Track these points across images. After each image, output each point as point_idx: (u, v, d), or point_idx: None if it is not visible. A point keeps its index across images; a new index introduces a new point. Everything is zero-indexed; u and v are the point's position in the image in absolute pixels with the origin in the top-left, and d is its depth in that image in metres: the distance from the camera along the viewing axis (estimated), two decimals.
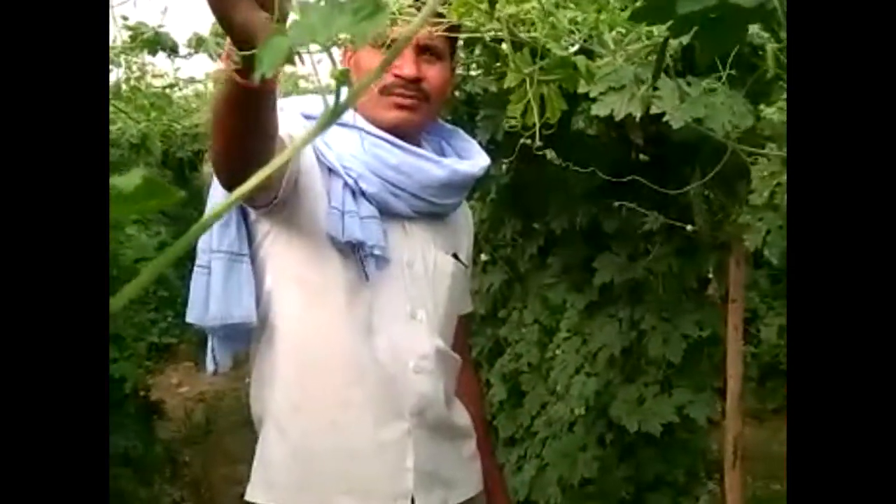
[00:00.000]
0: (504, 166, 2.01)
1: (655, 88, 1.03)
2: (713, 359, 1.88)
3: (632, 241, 1.94)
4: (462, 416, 1.40)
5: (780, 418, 2.90)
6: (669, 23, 0.51)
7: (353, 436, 1.26)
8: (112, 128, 2.01)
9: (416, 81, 1.25)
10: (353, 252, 1.24)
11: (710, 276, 1.84)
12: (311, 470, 1.26)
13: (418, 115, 1.29)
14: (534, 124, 0.77)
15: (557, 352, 2.26)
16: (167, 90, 2.20)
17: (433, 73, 1.28)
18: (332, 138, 1.26)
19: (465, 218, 1.47)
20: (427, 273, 1.33)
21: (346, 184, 1.23)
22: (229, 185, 1.07)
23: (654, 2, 0.51)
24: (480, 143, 1.92)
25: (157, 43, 1.58)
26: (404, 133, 1.29)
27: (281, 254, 1.27)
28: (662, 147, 1.46)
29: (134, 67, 1.88)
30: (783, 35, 0.54)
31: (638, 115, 1.11)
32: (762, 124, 1.13)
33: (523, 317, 2.52)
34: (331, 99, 0.28)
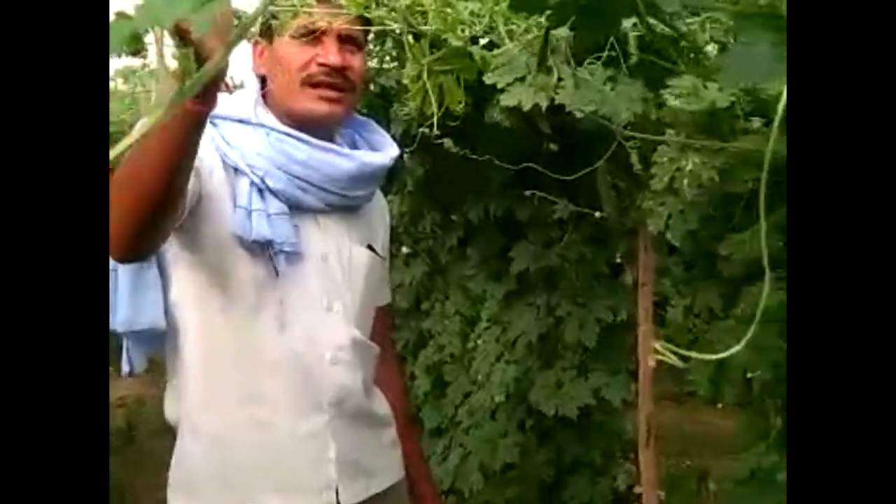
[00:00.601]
0: (420, 160, 2.02)
1: (560, 79, 1.06)
2: (627, 342, 1.94)
3: (545, 229, 1.98)
4: (381, 405, 1.41)
5: (693, 399, 3.00)
6: (548, 13, 0.54)
7: (271, 430, 1.25)
8: None
9: (341, 70, 1.24)
10: (263, 250, 1.22)
11: (618, 260, 1.90)
12: (230, 467, 1.25)
13: (344, 107, 1.28)
14: (432, 114, 0.79)
15: (478, 341, 2.29)
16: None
17: (356, 63, 1.27)
18: (234, 137, 1.24)
19: (380, 210, 1.46)
20: (342, 265, 1.32)
21: (252, 182, 1.21)
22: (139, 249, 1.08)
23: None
24: (394, 137, 1.94)
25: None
26: (326, 126, 1.29)
27: (187, 257, 1.24)
28: (569, 136, 1.50)
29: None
30: (651, 22, 0.57)
31: (544, 105, 1.14)
32: (664, 111, 1.17)
33: (445, 308, 2.54)
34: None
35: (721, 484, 2.13)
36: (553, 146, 1.61)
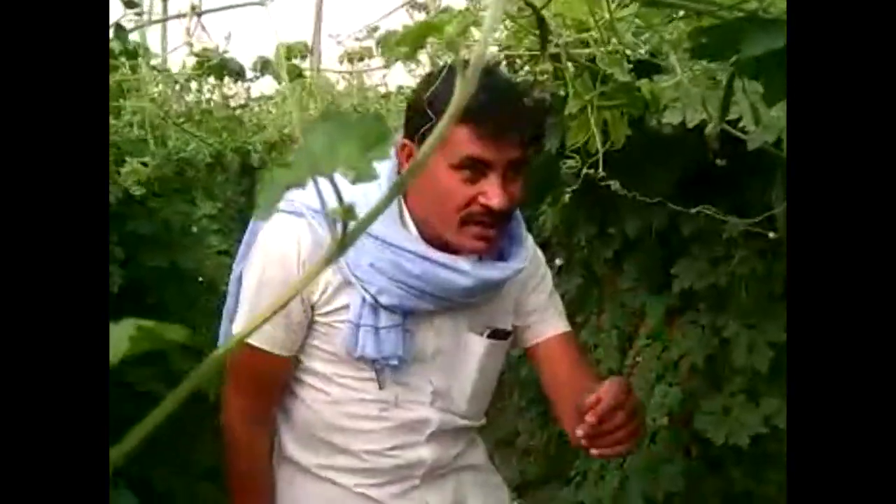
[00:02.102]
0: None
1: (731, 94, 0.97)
2: None
3: (712, 246, 1.86)
4: (476, 454, 1.46)
5: None
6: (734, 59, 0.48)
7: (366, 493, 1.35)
8: (187, 148, 2.06)
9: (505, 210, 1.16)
10: (370, 363, 1.25)
11: None
12: None
13: (499, 239, 1.24)
14: (597, 151, 0.73)
15: (638, 358, 2.20)
16: (238, 111, 2.24)
17: (518, 190, 1.18)
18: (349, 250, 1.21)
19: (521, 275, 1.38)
20: (453, 359, 1.32)
21: (363, 298, 1.20)
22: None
23: (719, 39, 0.47)
24: (549, 151, 1.88)
25: (224, 68, 1.61)
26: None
27: (306, 350, 1.30)
28: (741, 151, 1.39)
29: (205, 90, 1.92)
30: None
31: (714, 125, 1.05)
32: None
33: (601, 321, 2.47)
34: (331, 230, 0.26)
35: None
36: (721, 162, 1.50)
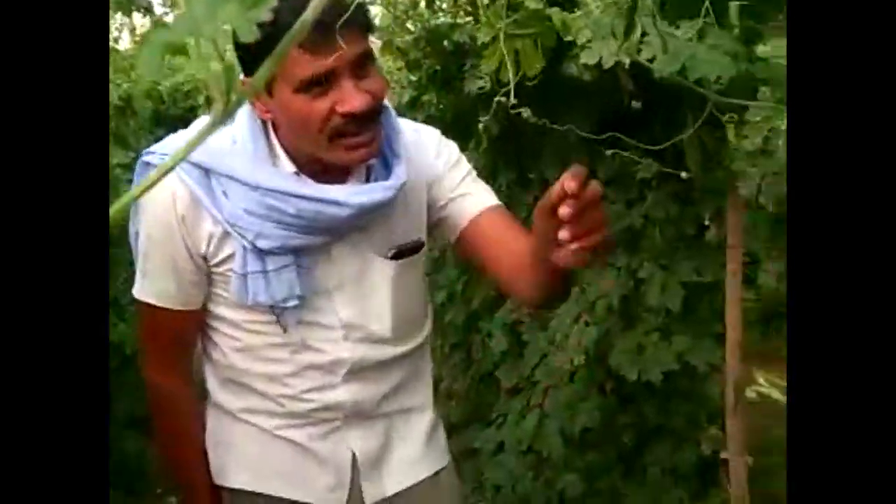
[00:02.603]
0: (496, 123, 1.96)
1: (644, 34, 0.98)
2: (713, 305, 1.86)
3: (627, 189, 1.91)
4: (415, 397, 1.39)
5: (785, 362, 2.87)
6: None
7: (282, 431, 1.32)
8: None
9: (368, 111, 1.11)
10: (269, 308, 1.21)
11: (707, 222, 1.81)
12: (244, 453, 1.35)
13: (377, 142, 1.16)
14: (508, 81, 0.74)
15: None
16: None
17: (375, 83, 1.12)
18: (221, 198, 1.17)
19: (422, 169, 1.28)
20: (361, 287, 1.27)
21: (244, 246, 1.17)
22: None
23: None
24: (469, 93, 1.88)
25: (131, 2, 1.53)
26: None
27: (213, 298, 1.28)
28: (653, 93, 1.42)
29: (112, 27, 1.82)
30: None
31: (626, 62, 1.07)
32: (755, 67, 1.09)
33: None
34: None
35: None
36: (636, 104, 1.53)
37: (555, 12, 0.72)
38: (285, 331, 1.23)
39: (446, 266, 3.00)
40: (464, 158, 1.33)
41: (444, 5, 1.82)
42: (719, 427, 1.92)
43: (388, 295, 1.27)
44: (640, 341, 1.88)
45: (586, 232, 0.92)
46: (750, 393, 0.56)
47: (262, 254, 1.17)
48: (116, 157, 2.72)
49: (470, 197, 1.29)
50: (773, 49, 0.98)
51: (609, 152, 1.67)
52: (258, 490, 1.33)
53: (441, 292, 3.01)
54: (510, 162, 2.37)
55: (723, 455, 1.88)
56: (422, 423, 1.40)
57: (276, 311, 1.22)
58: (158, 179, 0.31)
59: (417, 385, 1.39)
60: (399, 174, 1.20)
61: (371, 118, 1.12)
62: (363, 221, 1.21)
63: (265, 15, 0.27)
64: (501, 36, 0.73)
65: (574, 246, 0.92)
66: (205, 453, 1.36)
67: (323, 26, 1.00)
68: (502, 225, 1.28)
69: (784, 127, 1.13)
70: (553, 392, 2.15)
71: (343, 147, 1.12)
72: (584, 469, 2.07)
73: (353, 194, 1.16)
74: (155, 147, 1.22)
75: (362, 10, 1.07)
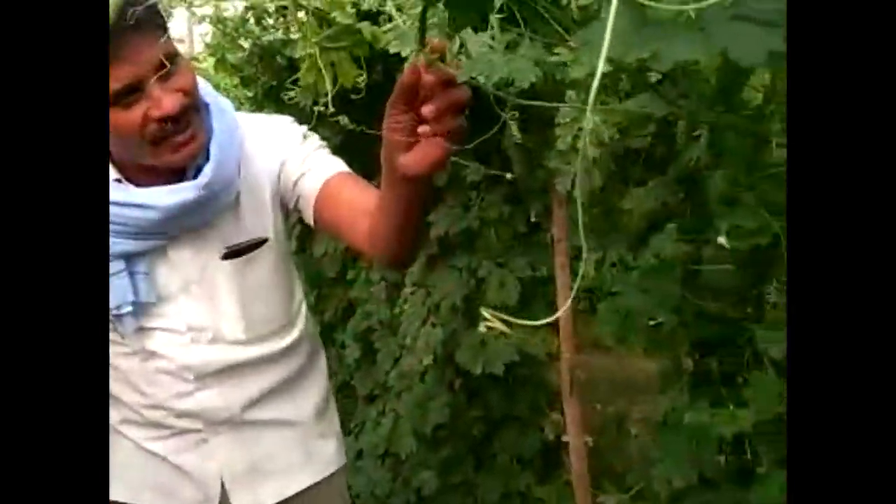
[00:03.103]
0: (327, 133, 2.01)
1: (462, 46, 1.07)
2: (546, 297, 1.99)
3: (462, 193, 2.01)
4: (287, 408, 1.35)
5: (619, 346, 3.08)
6: None
7: (148, 445, 1.31)
8: None
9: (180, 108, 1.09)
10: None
11: (534, 219, 1.94)
12: (123, 468, 1.32)
13: (201, 139, 1.15)
14: (326, 93, 0.79)
15: (405, 306, 2.32)
16: None
17: (183, 80, 1.10)
18: None
19: (259, 160, 1.25)
20: (207, 288, 1.24)
21: None
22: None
23: None
24: (303, 109, 1.91)
25: None
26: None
27: None
28: (474, 99, 1.51)
29: None
30: None
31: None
32: (566, 72, 1.20)
33: (371, 275, 2.56)
34: None
35: (642, 427, 2.23)
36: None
37: (364, 26, 0.79)
38: (123, 338, 1.21)
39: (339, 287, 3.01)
40: (313, 136, 1.29)
41: (272, 21, 1.86)
42: (560, 412, 2.05)
43: (233, 294, 1.25)
44: (483, 337, 1.98)
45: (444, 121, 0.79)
46: (481, 328, 0.61)
47: None
48: None
49: (316, 169, 1.25)
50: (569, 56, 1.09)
51: None
52: (132, 503, 1.30)
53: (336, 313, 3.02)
54: (352, 168, 2.42)
55: (564, 438, 2.01)
56: (299, 436, 1.36)
57: (113, 319, 1.20)
58: None
59: (293, 394, 1.35)
60: (206, 173, 1.17)
61: (187, 115, 1.10)
62: (193, 222, 1.20)
63: None
64: (317, 50, 0.79)
65: (437, 127, 0.79)
66: None
67: (116, 37, 0.98)
68: (349, 184, 1.24)
69: (590, 127, 1.25)
70: (406, 395, 2.22)
71: (168, 150, 1.11)
72: (438, 465, 2.15)
73: (160, 196, 1.15)
74: None
75: (151, 12, 1.05)
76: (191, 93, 1.11)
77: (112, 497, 1.31)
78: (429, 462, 2.15)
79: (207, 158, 1.17)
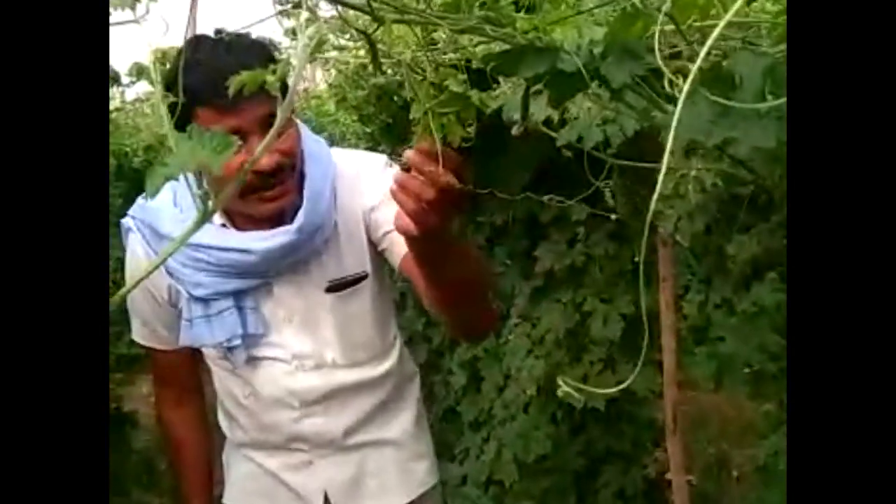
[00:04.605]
0: None
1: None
2: (652, 335, 2.00)
3: (568, 229, 2.05)
4: (388, 429, 1.45)
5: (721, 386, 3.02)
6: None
7: (262, 465, 1.43)
8: None
9: (276, 166, 1.18)
10: (221, 348, 1.33)
11: (639, 259, 1.96)
12: (240, 482, 1.47)
13: (292, 193, 1.24)
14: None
15: (510, 337, 2.37)
16: (114, 114, 2.28)
17: (286, 141, 1.20)
18: (154, 254, 1.31)
19: (352, 200, 1.32)
20: (308, 318, 1.34)
21: (187, 294, 1.29)
22: None
23: (504, 64, 0.62)
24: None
25: (116, 78, 1.65)
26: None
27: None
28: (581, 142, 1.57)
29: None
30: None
31: (556, 118, 1.21)
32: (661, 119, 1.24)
33: None
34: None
35: (744, 469, 2.19)
36: (568, 153, 1.67)
37: (473, 93, 0.86)
38: (236, 368, 1.34)
39: (407, 308, 3.12)
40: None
41: (389, 71, 1.96)
42: (664, 450, 2.05)
43: (332, 324, 1.33)
44: (586, 371, 2.01)
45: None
46: (559, 394, 0.64)
47: (202, 301, 1.28)
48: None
49: None
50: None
51: (545, 198, 1.82)
52: None
53: (403, 333, 3.12)
54: None
55: (667, 476, 2.01)
56: (397, 456, 1.44)
57: (223, 351, 1.32)
58: (148, 274, 0.44)
59: (389, 417, 1.44)
60: (299, 218, 1.25)
61: (281, 173, 1.19)
62: (291, 261, 1.28)
63: (230, 156, 0.39)
64: (430, 114, 0.87)
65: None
66: (203, 470, 1.49)
67: (226, 87, 1.07)
68: None
69: (693, 173, 1.28)
70: (509, 424, 2.27)
71: (256, 200, 1.20)
72: (540, 496, 2.18)
73: (257, 241, 1.25)
74: (132, 211, 1.34)
75: (268, 67, 1.14)
76: (290, 154, 1.20)
77: (226, 501, 1.47)
78: (531, 492, 2.19)
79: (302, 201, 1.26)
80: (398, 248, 1.28)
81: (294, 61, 0.49)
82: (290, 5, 1.04)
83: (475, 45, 0.92)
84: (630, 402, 2.00)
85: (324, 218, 1.27)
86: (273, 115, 1.15)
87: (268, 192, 1.20)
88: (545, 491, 2.16)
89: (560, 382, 0.60)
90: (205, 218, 0.41)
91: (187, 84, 1.11)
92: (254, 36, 1.22)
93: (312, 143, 1.31)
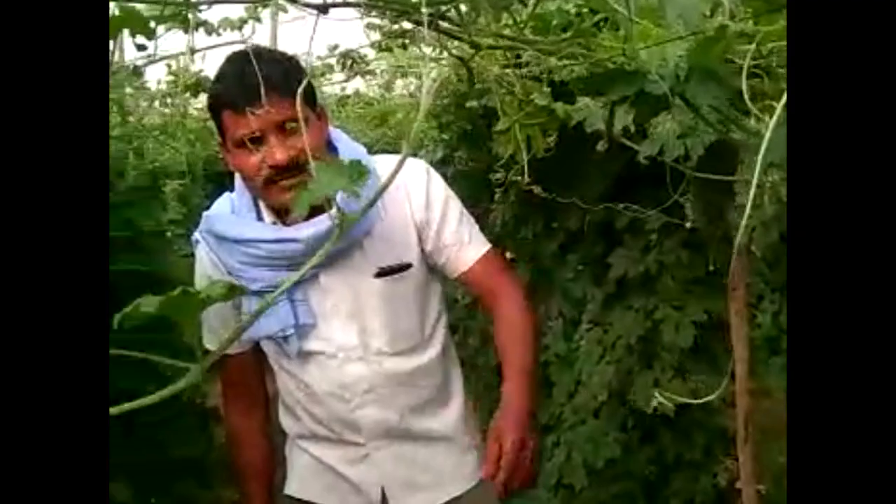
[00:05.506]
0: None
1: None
2: (724, 342, 2.01)
3: (642, 236, 2.07)
4: (440, 421, 1.53)
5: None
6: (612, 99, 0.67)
7: (322, 457, 1.53)
8: (161, 158, 2.21)
9: (292, 161, 1.29)
10: (274, 341, 1.45)
11: (712, 267, 1.97)
12: (303, 473, 1.57)
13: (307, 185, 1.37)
14: (519, 163, 0.93)
15: (581, 342, 2.40)
16: (209, 122, 2.41)
17: (302, 141, 1.26)
18: (219, 259, 1.43)
19: (400, 199, 1.44)
20: (355, 307, 1.43)
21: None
22: None
23: (594, 83, 0.67)
24: (497, 155, 2.07)
25: (199, 84, 1.76)
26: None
27: None
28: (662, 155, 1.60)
29: (179, 104, 2.09)
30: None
31: (632, 128, 1.25)
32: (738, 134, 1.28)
33: (549, 310, 2.66)
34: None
35: None
36: (645, 161, 1.71)
37: (558, 106, 0.91)
38: (290, 359, 1.43)
39: (478, 311, 3.17)
40: (451, 196, 1.49)
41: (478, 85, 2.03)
42: (735, 459, 2.04)
43: (379, 311, 1.43)
44: (657, 377, 2.02)
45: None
46: (654, 404, 0.67)
47: (258, 295, 1.37)
48: (170, 213, 2.97)
49: (463, 249, 1.48)
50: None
51: (620, 206, 1.85)
52: (303, 498, 1.54)
53: (475, 337, 3.18)
54: (535, 213, 2.55)
55: (737, 485, 2.00)
56: (448, 448, 1.53)
57: (279, 344, 1.42)
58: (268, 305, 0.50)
59: (437, 408, 1.53)
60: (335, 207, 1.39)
61: (297, 167, 1.30)
62: (336, 250, 1.36)
63: (363, 186, 0.46)
64: (516, 126, 0.92)
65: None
66: (263, 477, 1.57)
67: (252, 93, 1.19)
68: (486, 281, 1.51)
69: (769, 184, 1.30)
70: (578, 428, 2.30)
71: (276, 192, 1.33)
72: (609, 501, 2.20)
73: (300, 230, 1.36)
74: (202, 225, 1.47)
75: (289, 77, 1.27)
76: (309, 150, 1.31)
77: (293, 494, 1.56)
78: (600, 497, 2.21)
79: None
80: (454, 266, 1.48)
81: (422, 98, 0.54)
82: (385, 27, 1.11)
83: (559, 59, 0.97)
84: (701, 411, 2.01)
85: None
86: (287, 120, 1.29)
87: (285, 183, 1.31)
88: (614, 496, 2.18)
89: (655, 394, 0.65)
90: None
91: (217, 91, 1.29)
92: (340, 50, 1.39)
93: (346, 144, 1.44)
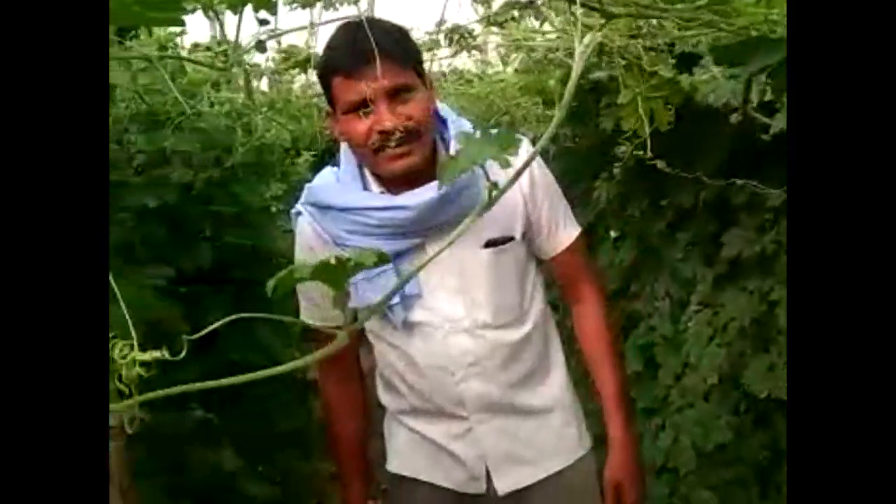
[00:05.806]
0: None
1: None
2: None
3: (759, 215, 1.98)
4: (540, 396, 1.53)
5: None
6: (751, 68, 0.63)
7: (425, 433, 1.52)
8: (267, 134, 2.25)
9: (400, 128, 1.30)
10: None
11: None
12: (404, 447, 1.57)
13: (418, 156, 1.35)
14: (641, 137, 0.89)
15: (690, 324, 2.33)
16: (315, 99, 2.44)
17: (412, 109, 1.31)
18: (323, 229, 1.43)
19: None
20: (461, 279, 1.43)
21: None
22: None
23: (732, 53, 0.63)
24: (604, 130, 2.01)
25: (308, 61, 1.77)
26: (412, 175, 1.37)
27: None
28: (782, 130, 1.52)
29: (286, 81, 2.12)
30: None
31: (755, 100, 1.19)
32: None
33: (655, 290, 2.60)
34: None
35: None
36: (766, 136, 1.63)
37: (683, 78, 0.87)
38: (394, 330, 1.44)
39: None
40: (551, 176, 1.50)
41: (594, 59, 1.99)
42: None
43: (484, 282, 1.43)
44: (773, 361, 1.94)
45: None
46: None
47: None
48: (272, 189, 3.04)
49: (558, 231, 1.49)
50: None
51: (738, 183, 1.77)
52: (407, 474, 1.55)
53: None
54: (643, 190, 2.48)
55: None
56: (549, 422, 1.53)
57: (384, 314, 1.42)
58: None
59: (537, 383, 1.52)
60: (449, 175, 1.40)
61: (406, 135, 1.30)
62: (441, 218, 1.38)
63: (513, 153, 0.44)
64: (640, 99, 0.89)
65: None
66: (359, 450, 1.59)
67: (363, 60, 1.23)
68: (571, 271, 1.55)
69: None
70: (687, 411, 2.24)
71: (386, 159, 1.33)
72: (719, 486, 2.14)
73: (410, 198, 1.36)
74: (303, 198, 1.48)
75: (400, 46, 1.30)
76: (415, 118, 1.31)
77: (396, 470, 1.57)
78: (708, 481, 2.15)
79: None
80: (548, 246, 1.50)
81: (574, 64, 0.52)
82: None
83: (682, 30, 0.92)
84: None
85: (468, 180, 1.36)
86: (402, 87, 1.28)
87: (394, 151, 1.32)
88: (725, 481, 2.12)
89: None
90: None
91: (328, 57, 1.30)
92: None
93: (455, 120, 1.44)
